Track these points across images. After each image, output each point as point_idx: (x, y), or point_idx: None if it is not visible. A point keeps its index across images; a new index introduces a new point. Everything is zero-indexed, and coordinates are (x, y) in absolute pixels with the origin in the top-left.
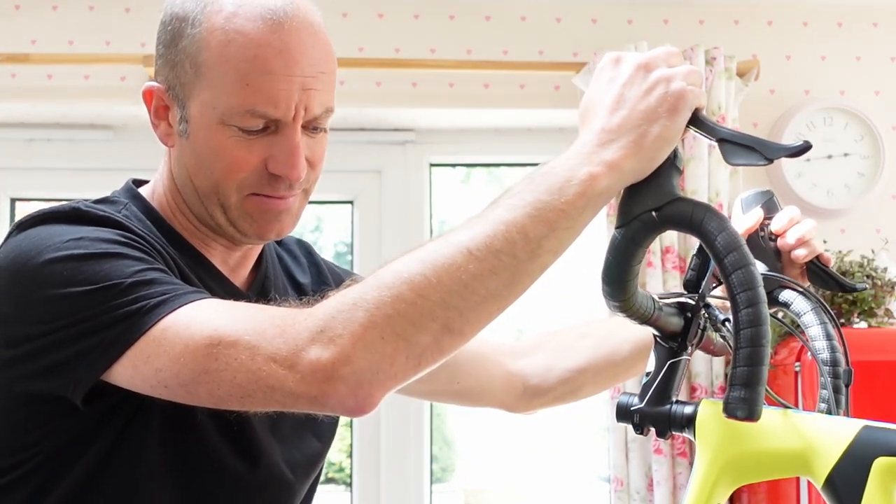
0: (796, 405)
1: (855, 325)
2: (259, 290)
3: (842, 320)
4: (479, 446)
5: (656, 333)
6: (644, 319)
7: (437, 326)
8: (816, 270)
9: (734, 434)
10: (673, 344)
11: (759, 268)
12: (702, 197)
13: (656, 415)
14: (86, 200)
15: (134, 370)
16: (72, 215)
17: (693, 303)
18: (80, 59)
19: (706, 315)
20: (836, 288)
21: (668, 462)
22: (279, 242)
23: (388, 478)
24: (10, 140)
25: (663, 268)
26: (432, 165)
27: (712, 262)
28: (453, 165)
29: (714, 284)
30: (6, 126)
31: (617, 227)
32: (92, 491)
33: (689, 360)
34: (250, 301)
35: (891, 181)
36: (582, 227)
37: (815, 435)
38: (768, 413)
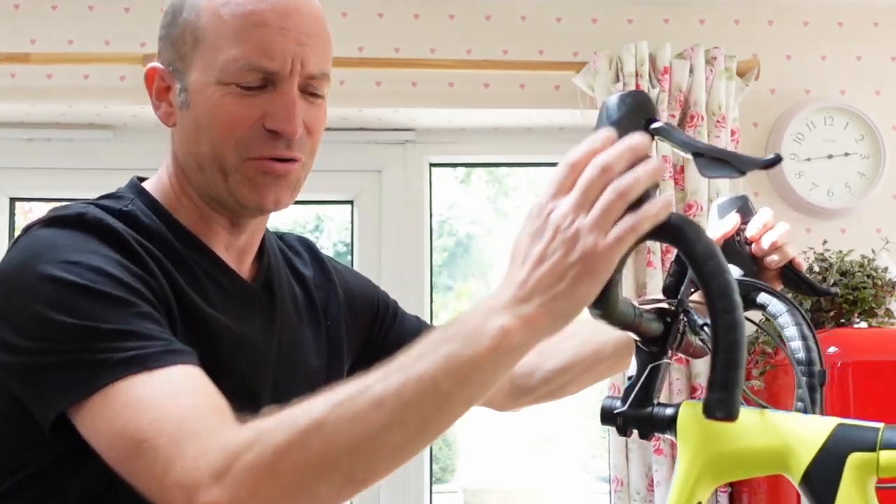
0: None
1: (855, 325)
2: (263, 281)
3: (842, 320)
4: (479, 446)
5: (637, 338)
6: (625, 325)
7: (340, 477)
8: (790, 275)
9: (713, 434)
10: (654, 348)
11: (736, 272)
12: (702, 197)
13: (639, 417)
14: (92, 199)
15: (82, 420)
16: (76, 221)
17: (672, 308)
18: (80, 58)
19: (685, 320)
20: (810, 292)
21: (668, 462)
22: (281, 237)
23: (388, 478)
24: (10, 140)
25: (663, 267)
26: (432, 165)
27: (690, 269)
28: (453, 165)
29: (692, 290)
30: (6, 126)
31: None
32: (110, 488)
33: (669, 363)
34: (256, 293)
35: (891, 181)
36: (495, 381)
37: (792, 433)
38: (746, 413)
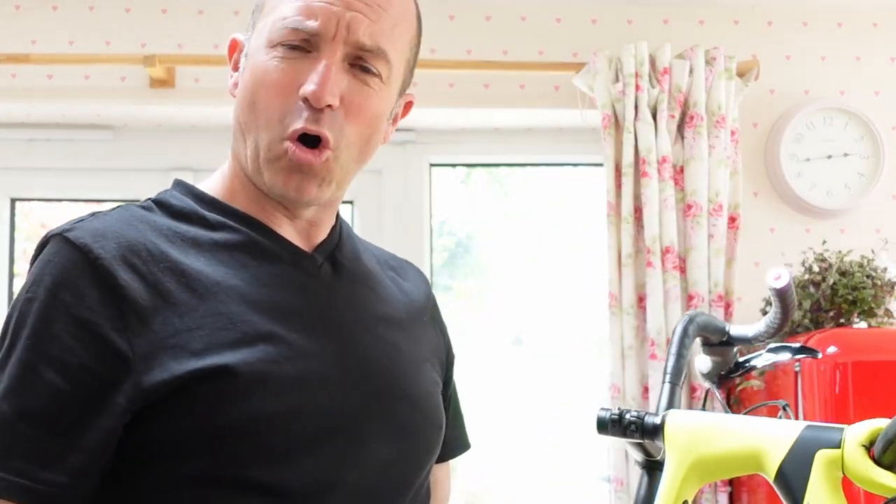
0: (796, 405)
1: (855, 325)
2: (327, 254)
3: (842, 320)
4: (479, 446)
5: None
6: None
7: None
8: None
9: (697, 439)
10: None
11: None
12: (701, 197)
13: (630, 425)
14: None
15: None
16: (38, 253)
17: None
18: (80, 59)
19: None
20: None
21: None
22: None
23: None
24: (10, 140)
25: (663, 268)
26: (432, 165)
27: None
28: (453, 165)
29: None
30: (6, 126)
31: None
32: None
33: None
34: (317, 262)
35: (891, 181)
36: None
37: (766, 436)
38: (725, 419)
